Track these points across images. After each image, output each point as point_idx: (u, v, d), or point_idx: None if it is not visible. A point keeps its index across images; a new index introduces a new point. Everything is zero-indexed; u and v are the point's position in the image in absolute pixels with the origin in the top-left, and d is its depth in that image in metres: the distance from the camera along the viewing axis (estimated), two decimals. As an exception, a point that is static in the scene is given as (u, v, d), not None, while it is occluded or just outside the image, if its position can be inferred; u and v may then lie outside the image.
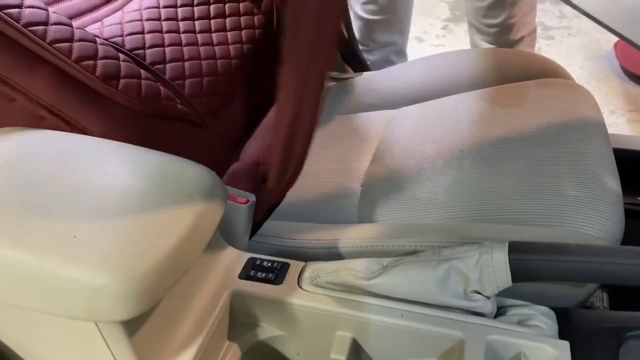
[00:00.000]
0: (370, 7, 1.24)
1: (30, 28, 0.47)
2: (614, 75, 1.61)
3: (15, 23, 0.46)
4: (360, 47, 1.27)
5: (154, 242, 0.41)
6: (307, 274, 0.52)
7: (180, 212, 0.44)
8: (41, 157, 0.47)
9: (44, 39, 0.47)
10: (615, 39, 1.73)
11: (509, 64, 0.84)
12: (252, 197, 0.57)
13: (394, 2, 1.22)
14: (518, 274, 0.46)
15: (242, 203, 0.57)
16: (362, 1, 1.23)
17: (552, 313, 0.49)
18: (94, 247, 0.40)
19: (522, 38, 1.24)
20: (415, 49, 1.73)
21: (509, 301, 0.51)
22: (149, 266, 0.40)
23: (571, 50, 1.74)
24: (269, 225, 0.66)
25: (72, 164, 0.47)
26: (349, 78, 0.90)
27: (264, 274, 0.53)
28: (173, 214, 0.44)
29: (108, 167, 0.47)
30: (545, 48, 1.75)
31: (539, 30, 1.84)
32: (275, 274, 0.53)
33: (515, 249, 0.47)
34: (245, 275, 0.53)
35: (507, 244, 0.47)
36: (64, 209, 0.42)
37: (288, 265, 0.54)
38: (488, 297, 0.48)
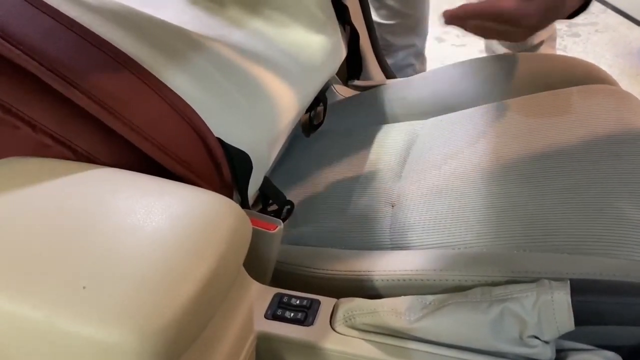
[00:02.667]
0: (383, 11, 1.20)
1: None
2: (646, 73, 1.54)
3: (15, 48, 0.42)
4: None
5: (173, 289, 0.37)
6: (340, 314, 0.47)
7: (202, 252, 0.39)
8: (48, 192, 0.43)
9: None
10: (645, 34, 1.65)
11: (547, 69, 0.78)
12: (280, 223, 0.52)
13: (407, 4, 1.18)
14: (582, 317, 0.41)
15: (269, 230, 0.52)
16: (374, 7, 1.18)
17: (620, 359, 0.43)
18: (105, 298, 0.35)
19: (541, 42, 1.19)
20: (435, 50, 1.68)
21: (567, 344, 0.45)
22: (168, 319, 0.35)
23: (599, 48, 1.67)
24: (293, 251, 0.61)
25: (81, 199, 0.42)
26: (375, 86, 0.84)
27: (292, 313, 0.48)
28: (194, 255, 0.39)
29: (121, 201, 0.42)
30: (572, 46, 1.68)
31: (564, 28, 1.78)
32: (305, 313, 0.48)
33: (579, 289, 0.41)
34: (272, 314, 0.48)
35: (569, 282, 0.42)
36: (72, 253, 0.38)
37: (319, 302, 0.49)
38: (547, 342, 0.42)
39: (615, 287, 0.42)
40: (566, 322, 0.41)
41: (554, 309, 0.41)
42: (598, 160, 0.59)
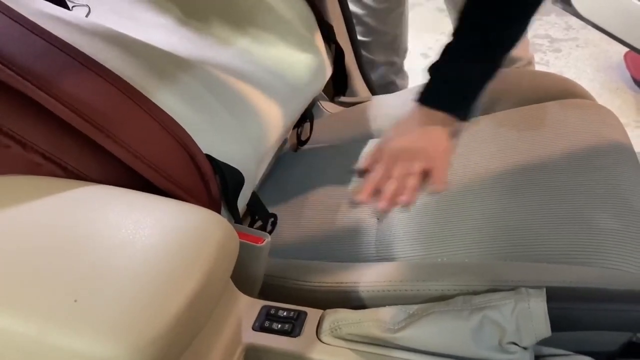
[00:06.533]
0: (360, 28, 1.20)
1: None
2: (626, 87, 1.57)
3: (7, 68, 0.43)
4: None
5: (162, 303, 0.38)
6: (326, 324, 0.48)
7: (191, 266, 0.40)
8: (39, 209, 0.44)
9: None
10: (624, 49, 1.70)
11: (526, 84, 0.81)
12: (267, 237, 0.54)
13: (383, 22, 1.19)
14: (558, 323, 0.42)
15: (257, 243, 0.53)
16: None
17: (596, 364, 0.45)
18: (97, 312, 0.36)
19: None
20: (421, 65, 1.70)
21: (546, 350, 0.47)
22: (157, 332, 0.36)
23: (580, 63, 1.71)
24: (281, 264, 0.62)
25: (72, 215, 0.43)
26: (361, 102, 0.87)
27: (279, 325, 0.49)
28: (182, 270, 0.40)
29: (111, 217, 0.43)
30: (554, 61, 1.72)
31: (545, 44, 1.82)
32: (292, 325, 0.49)
33: (555, 296, 0.43)
34: (259, 326, 0.49)
35: (544, 290, 0.44)
36: (63, 267, 0.39)
37: (305, 314, 0.50)
38: (525, 348, 0.44)
39: (590, 294, 0.44)
40: (543, 328, 0.43)
41: (531, 316, 0.43)
42: (575, 172, 0.61)
